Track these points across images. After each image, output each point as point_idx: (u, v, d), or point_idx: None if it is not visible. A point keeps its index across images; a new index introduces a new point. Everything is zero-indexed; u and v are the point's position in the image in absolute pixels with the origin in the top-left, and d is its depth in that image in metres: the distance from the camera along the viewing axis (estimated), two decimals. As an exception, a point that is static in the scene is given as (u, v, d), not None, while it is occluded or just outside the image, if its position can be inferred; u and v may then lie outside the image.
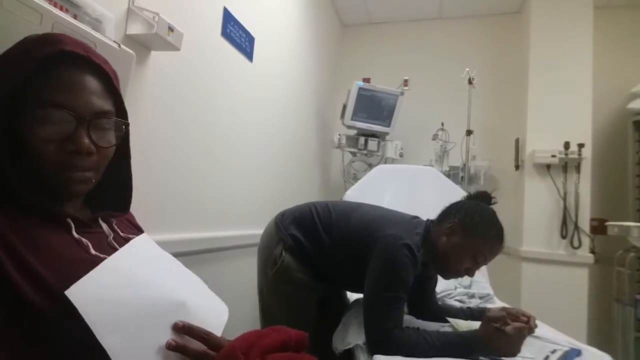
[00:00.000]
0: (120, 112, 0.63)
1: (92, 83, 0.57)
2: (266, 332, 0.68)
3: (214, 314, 0.66)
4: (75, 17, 0.83)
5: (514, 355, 1.01)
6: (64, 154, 0.55)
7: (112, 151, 0.62)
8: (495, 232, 1.14)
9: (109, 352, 0.47)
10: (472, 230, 1.13)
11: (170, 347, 0.53)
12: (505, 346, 1.01)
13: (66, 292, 0.47)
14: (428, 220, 1.29)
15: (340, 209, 1.35)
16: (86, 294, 0.49)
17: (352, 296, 1.60)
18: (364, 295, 1.17)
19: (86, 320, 0.47)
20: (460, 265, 1.15)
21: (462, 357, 0.99)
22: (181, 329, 0.55)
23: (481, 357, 1.01)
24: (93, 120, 0.57)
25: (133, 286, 0.55)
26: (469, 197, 1.28)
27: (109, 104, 0.60)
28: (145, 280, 0.57)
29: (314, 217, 1.34)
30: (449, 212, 1.22)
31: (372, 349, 1.09)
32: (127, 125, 0.64)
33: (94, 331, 0.47)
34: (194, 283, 0.69)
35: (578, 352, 1.06)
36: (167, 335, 0.54)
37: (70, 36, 0.60)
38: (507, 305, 1.39)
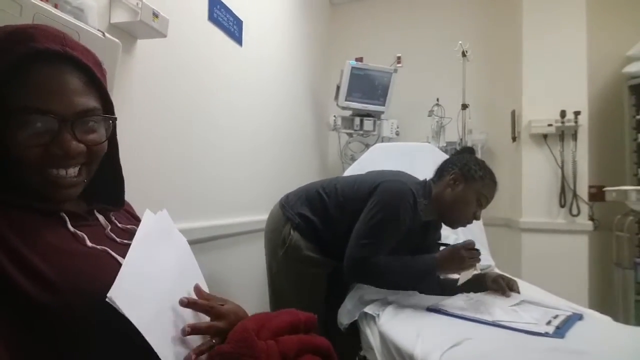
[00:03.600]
0: (107, 105, 0.60)
1: (72, 81, 0.54)
2: (275, 314, 0.70)
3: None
4: (56, 6, 0.81)
5: (462, 270, 1.18)
6: (50, 157, 0.53)
7: (102, 148, 0.59)
8: (490, 175, 1.28)
9: (155, 348, 0.48)
10: (472, 177, 1.25)
11: (186, 333, 0.55)
12: (455, 263, 1.17)
13: (109, 295, 0.47)
14: (425, 179, 1.36)
15: (343, 179, 1.43)
16: (126, 295, 0.49)
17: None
18: (356, 225, 1.24)
19: (133, 321, 0.47)
20: (468, 210, 1.26)
21: (424, 277, 1.16)
22: (187, 304, 0.58)
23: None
24: (77, 120, 0.54)
25: (154, 281, 0.56)
26: (458, 153, 1.39)
27: (92, 99, 0.56)
28: (162, 274, 0.59)
29: (319, 192, 1.39)
30: (445, 168, 1.32)
31: (348, 274, 1.21)
32: (115, 120, 0.61)
33: (141, 331, 0.48)
34: (193, 270, 0.71)
35: (580, 316, 1.08)
36: (183, 322, 0.57)
37: (44, 26, 0.55)
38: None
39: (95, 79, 0.57)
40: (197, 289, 0.63)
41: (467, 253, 1.17)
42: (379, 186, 1.26)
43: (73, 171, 0.55)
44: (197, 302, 0.60)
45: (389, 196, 1.23)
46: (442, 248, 1.63)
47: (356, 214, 1.28)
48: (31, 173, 0.53)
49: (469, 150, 1.36)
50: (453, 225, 1.35)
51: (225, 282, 1.74)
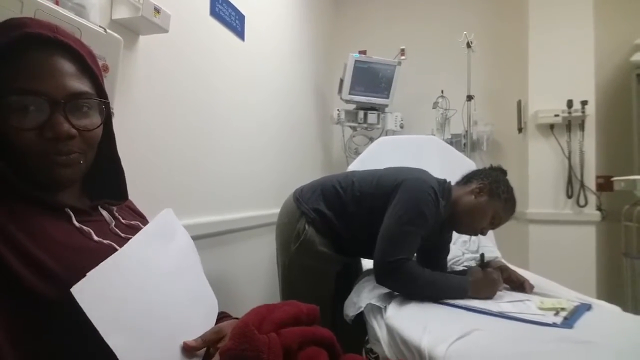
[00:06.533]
0: (100, 93, 0.60)
1: (64, 65, 0.55)
2: (277, 306, 0.69)
3: (204, 312, 0.67)
4: (57, 3, 0.81)
5: (491, 297, 1.15)
6: (44, 141, 0.53)
7: (97, 134, 0.59)
8: (513, 202, 1.29)
9: (114, 351, 0.47)
10: (497, 195, 1.26)
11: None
12: (489, 288, 1.16)
13: (72, 290, 0.46)
14: (444, 179, 1.36)
15: (360, 174, 1.42)
16: (91, 291, 0.48)
17: (366, 266, 1.63)
18: (382, 226, 1.22)
19: (90, 318, 0.47)
20: (481, 223, 1.27)
21: (455, 298, 1.12)
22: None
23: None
24: (69, 102, 0.54)
25: (138, 285, 0.55)
26: (492, 169, 1.38)
27: (85, 84, 0.57)
28: (150, 280, 0.57)
29: (335, 186, 1.38)
30: (475, 176, 1.33)
31: (380, 277, 1.19)
32: (108, 105, 0.61)
33: (98, 329, 0.47)
34: (193, 276, 0.69)
35: (588, 307, 1.07)
36: (170, 337, 0.55)
37: (37, 19, 0.57)
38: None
39: (87, 67, 0.58)
40: (186, 346, 0.57)
41: (497, 275, 1.19)
42: (401, 184, 1.25)
43: (68, 151, 0.55)
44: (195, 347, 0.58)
45: (414, 195, 1.22)
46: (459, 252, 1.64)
47: (374, 209, 1.27)
48: (26, 158, 0.53)
49: (503, 172, 1.37)
50: (460, 230, 1.38)
51: (232, 277, 1.74)
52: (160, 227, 0.65)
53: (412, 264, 1.16)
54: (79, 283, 0.47)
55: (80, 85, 0.56)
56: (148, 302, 0.55)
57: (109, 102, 0.61)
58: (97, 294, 0.49)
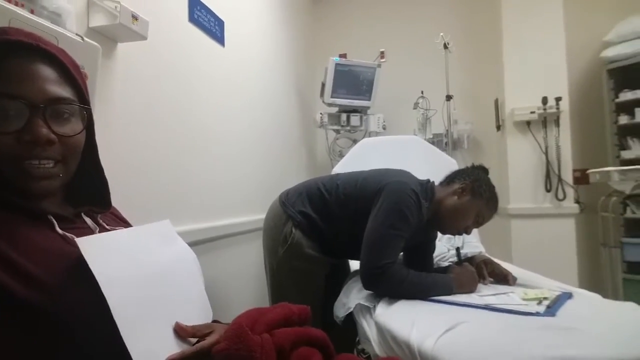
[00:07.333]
0: (82, 101, 0.59)
1: (45, 70, 0.54)
2: (269, 308, 0.70)
3: (198, 314, 0.67)
4: (32, 11, 0.80)
5: (474, 290, 1.18)
6: (22, 147, 0.52)
7: (78, 141, 0.58)
8: (495, 200, 1.31)
9: (110, 306, 0.48)
10: (479, 194, 1.27)
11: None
12: (471, 283, 1.19)
13: (76, 239, 0.48)
14: (427, 179, 1.37)
15: (344, 177, 1.42)
16: (94, 247, 0.50)
17: (353, 267, 1.63)
18: (366, 231, 1.23)
19: (92, 269, 0.48)
20: (465, 222, 1.29)
21: (442, 294, 1.14)
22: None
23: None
24: (49, 107, 0.53)
25: (137, 257, 0.56)
26: (473, 168, 1.40)
27: (67, 91, 0.56)
28: (147, 264, 0.58)
29: (320, 189, 1.38)
30: (457, 176, 1.34)
31: (366, 283, 1.20)
32: (90, 111, 0.60)
33: (98, 280, 0.48)
34: (192, 282, 0.70)
35: (569, 295, 1.11)
36: (164, 316, 0.56)
37: (18, 28, 0.56)
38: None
39: (70, 75, 0.57)
40: (178, 326, 0.58)
41: (478, 271, 1.23)
42: (384, 188, 1.26)
43: (47, 162, 0.54)
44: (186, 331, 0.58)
45: (396, 199, 1.22)
46: (447, 249, 1.66)
47: (359, 212, 1.28)
48: (5, 164, 0.52)
49: (484, 170, 1.39)
50: (444, 231, 1.39)
51: (221, 284, 1.73)
52: (157, 229, 0.66)
53: (397, 268, 1.17)
54: (83, 237, 0.50)
55: (61, 91, 0.56)
56: (144, 277, 0.56)
57: (90, 109, 0.61)
58: (99, 251, 0.51)
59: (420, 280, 1.17)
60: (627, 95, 2.55)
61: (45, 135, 0.52)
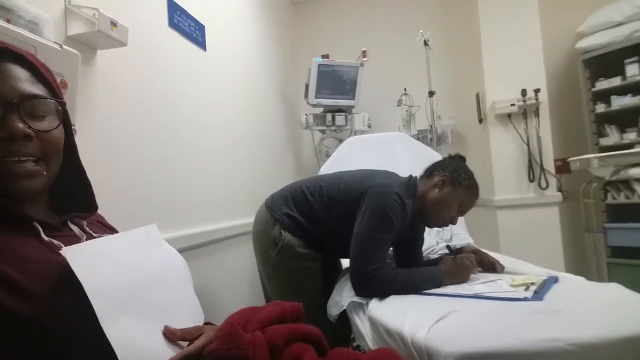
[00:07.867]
0: (56, 98, 0.59)
1: (16, 70, 0.54)
2: (261, 307, 0.70)
3: (188, 315, 0.67)
4: (8, 21, 0.79)
5: (465, 282, 1.19)
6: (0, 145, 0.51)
7: (57, 137, 0.58)
8: (475, 187, 1.33)
9: (97, 313, 0.47)
10: (459, 183, 1.29)
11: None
12: (462, 274, 1.20)
13: (61, 250, 0.48)
14: (410, 176, 1.38)
15: (327, 178, 1.43)
16: (82, 254, 0.50)
17: (345, 264, 1.64)
18: (353, 237, 1.24)
19: (79, 277, 0.47)
20: (449, 213, 1.30)
21: (433, 288, 1.15)
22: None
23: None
24: (23, 102, 0.53)
25: (125, 262, 0.56)
26: (450, 158, 1.41)
27: (40, 89, 0.57)
28: (134, 268, 0.58)
29: (304, 192, 1.39)
30: (436, 169, 1.35)
31: (358, 289, 1.20)
32: (64, 105, 0.60)
33: (84, 287, 0.47)
34: (181, 283, 0.69)
35: (555, 279, 1.14)
36: (153, 321, 0.56)
37: None
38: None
39: (40, 75, 0.57)
40: (167, 330, 0.57)
41: (468, 261, 1.23)
42: (367, 191, 1.27)
43: (27, 159, 0.54)
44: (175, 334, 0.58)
45: (380, 202, 1.23)
46: (438, 245, 1.68)
47: (343, 214, 1.30)
48: None
49: (461, 158, 1.40)
50: (430, 224, 1.40)
51: (213, 288, 1.72)
52: (144, 234, 0.65)
53: (386, 270, 1.18)
54: (69, 247, 0.50)
55: (34, 88, 0.56)
56: (132, 282, 0.55)
57: (65, 103, 0.60)
58: (85, 259, 0.51)
59: (409, 277, 1.18)
60: (603, 84, 2.62)
61: (22, 129, 0.52)
